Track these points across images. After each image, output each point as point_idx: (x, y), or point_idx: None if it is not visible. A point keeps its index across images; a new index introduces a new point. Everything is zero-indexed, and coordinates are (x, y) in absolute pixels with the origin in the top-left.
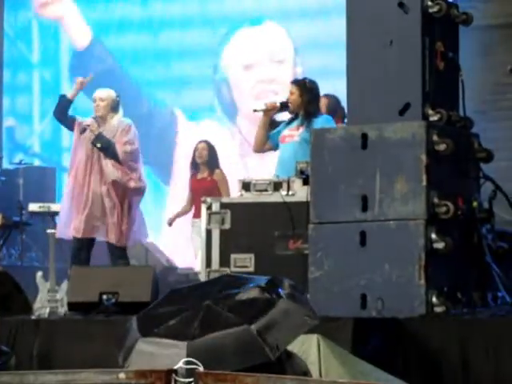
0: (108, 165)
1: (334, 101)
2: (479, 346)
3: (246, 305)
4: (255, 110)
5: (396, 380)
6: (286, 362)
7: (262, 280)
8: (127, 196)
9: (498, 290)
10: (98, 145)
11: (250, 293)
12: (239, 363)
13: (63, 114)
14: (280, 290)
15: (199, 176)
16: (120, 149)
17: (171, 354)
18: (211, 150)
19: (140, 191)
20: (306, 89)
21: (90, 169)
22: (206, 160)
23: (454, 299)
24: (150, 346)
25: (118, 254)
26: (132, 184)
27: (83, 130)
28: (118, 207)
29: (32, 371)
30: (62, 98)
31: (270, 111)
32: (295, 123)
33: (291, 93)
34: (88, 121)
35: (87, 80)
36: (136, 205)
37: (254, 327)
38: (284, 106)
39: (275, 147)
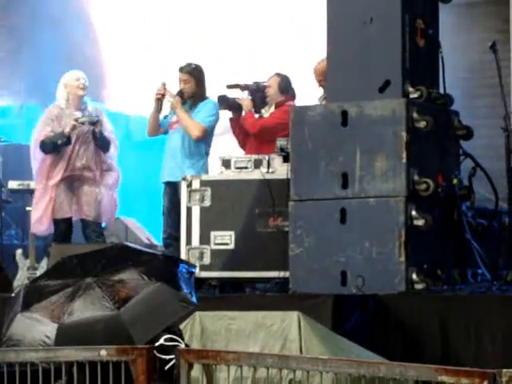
0: (92, 151)
1: (285, 79)
2: (459, 322)
3: (121, 285)
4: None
5: (376, 356)
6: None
7: (156, 256)
8: (107, 179)
9: (477, 267)
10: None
11: (127, 274)
12: None
13: (54, 150)
14: (176, 268)
15: None
16: (108, 136)
17: (43, 331)
18: None
19: (118, 178)
20: (200, 74)
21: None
22: None
23: (434, 276)
24: (26, 323)
25: (98, 231)
26: (110, 170)
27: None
28: (97, 187)
29: (13, 348)
30: (66, 138)
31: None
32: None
33: (186, 81)
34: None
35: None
36: (114, 189)
37: (123, 313)
38: (181, 96)
39: (167, 131)
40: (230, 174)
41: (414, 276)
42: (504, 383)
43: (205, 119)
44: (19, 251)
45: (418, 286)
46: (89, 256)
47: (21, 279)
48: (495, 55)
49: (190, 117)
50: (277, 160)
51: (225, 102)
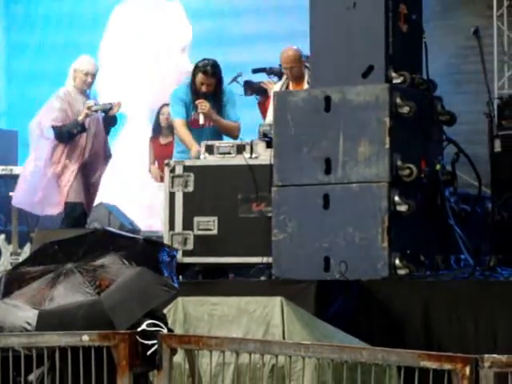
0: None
1: None
2: (441, 307)
3: (102, 271)
4: None
5: (359, 342)
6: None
7: (136, 241)
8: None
9: (460, 253)
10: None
11: (108, 258)
12: None
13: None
14: (157, 252)
15: (163, 141)
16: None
17: (24, 317)
18: None
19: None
20: (220, 71)
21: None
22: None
23: (417, 262)
24: (7, 309)
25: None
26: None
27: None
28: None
29: None
30: (80, 127)
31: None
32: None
33: (209, 85)
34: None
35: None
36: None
37: (104, 298)
38: (206, 98)
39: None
40: (213, 160)
41: (397, 261)
42: (486, 368)
43: (237, 115)
44: (2, 237)
45: (401, 272)
46: (70, 241)
47: (4, 265)
48: (478, 41)
49: (225, 120)
50: (260, 145)
51: (250, 88)
